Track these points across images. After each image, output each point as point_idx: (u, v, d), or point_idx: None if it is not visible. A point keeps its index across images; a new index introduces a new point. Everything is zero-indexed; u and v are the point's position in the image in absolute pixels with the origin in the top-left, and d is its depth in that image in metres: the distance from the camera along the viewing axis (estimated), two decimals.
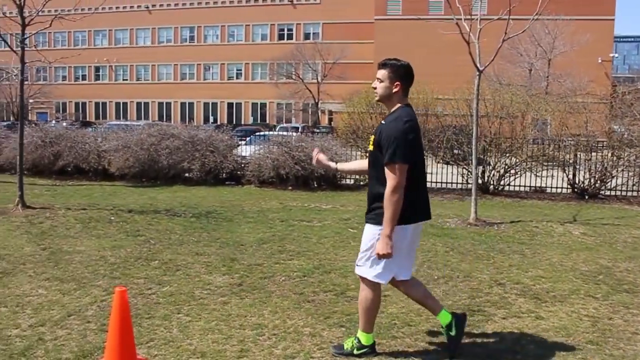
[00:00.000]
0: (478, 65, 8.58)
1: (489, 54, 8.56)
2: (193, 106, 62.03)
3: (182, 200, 10.71)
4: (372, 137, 3.75)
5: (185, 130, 14.28)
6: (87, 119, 56.66)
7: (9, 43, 9.53)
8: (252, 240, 7.20)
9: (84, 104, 66.09)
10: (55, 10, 9.89)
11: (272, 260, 6.24)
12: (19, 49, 9.24)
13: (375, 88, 3.75)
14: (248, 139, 17.25)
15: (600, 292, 5.34)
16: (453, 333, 3.79)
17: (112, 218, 8.58)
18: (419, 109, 12.89)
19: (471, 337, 4.17)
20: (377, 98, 3.81)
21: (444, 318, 3.81)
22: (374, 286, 3.72)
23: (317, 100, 50.98)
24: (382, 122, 3.75)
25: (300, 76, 51.44)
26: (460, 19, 8.74)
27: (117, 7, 60.89)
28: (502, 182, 12.92)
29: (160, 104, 63.43)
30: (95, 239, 7.25)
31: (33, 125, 17.16)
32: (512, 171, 12.82)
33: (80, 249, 6.74)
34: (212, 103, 61.60)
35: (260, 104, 59.65)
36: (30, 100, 58.33)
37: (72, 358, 3.68)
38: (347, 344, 3.79)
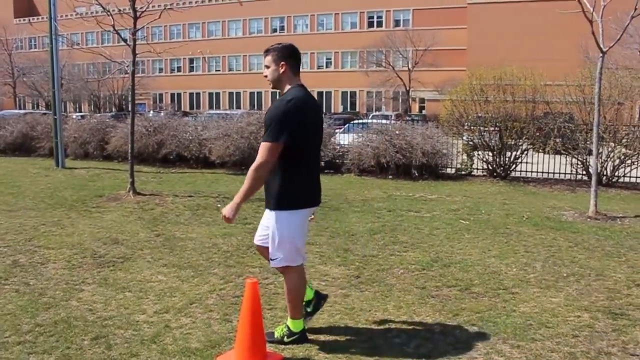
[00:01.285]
0: (602, 46, 7.95)
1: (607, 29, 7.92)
2: None
3: None
4: None
5: None
6: (182, 109, 58.73)
7: (117, 38, 9.88)
8: (362, 231, 7.04)
9: (179, 94, 68.44)
10: (165, 5, 10.11)
11: (387, 251, 6.05)
12: (130, 42, 9.55)
13: (266, 76, 3.70)
14: (345, 127, 17.08)
15: None
16: (310, 309, 3.97)
17: (219, 205, 8.68)
18: (527, 96, 12.24)
19: (622, 344, 3.79)
20: (270, 85, 3.74)
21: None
22: (298, 270, 3.73)
23: (408, 88, 50.15)
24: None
25: (391, 64, 50.72)
26: None
27: (209, 0, 62.43)
28: (617, 173, 12.05)
29: (251, 94, 64.62)
30: (205, 227, 7.33)
31: (138, 115, 17.80)
32: (629, 161, 11.93)
33: (192, 235, 6.83)
34: None
35: (350, 92, 59.46)
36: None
37: (201, 348, 3.65)
38: (278, 332, 3.77)
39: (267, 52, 3.71)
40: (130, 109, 10.37)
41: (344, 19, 59.86)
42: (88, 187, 10.96)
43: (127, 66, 10.32)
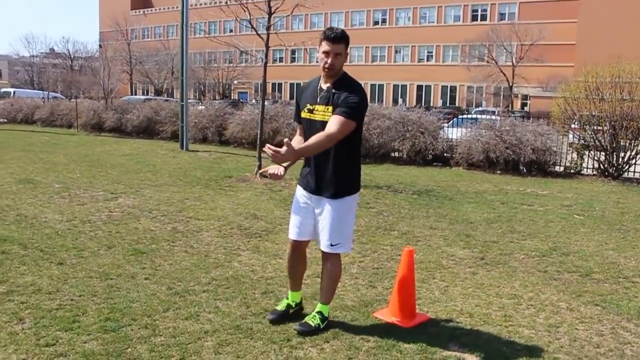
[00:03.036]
0: None
1: None
2: (383, 88, 63.08)
3: (397, 178, 11.26)
4: (322, 107, 3.59)
5: (395, 111, 14.82)
6: (283, 98, 60.48)
7: (240, 27, 10.79)
8: (480, 219, 7.49)
9: (279, 84, 70.35)
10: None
11: (506, 239, 6.48)
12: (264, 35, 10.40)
13: (332, 64, 3.51)
14: (452, 121, 17.36)
15: None
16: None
17: None
18: None
19: None
20: (331, 73, 3.56)
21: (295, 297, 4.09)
22: (340, 259, 3.91)
23: (510, 84, 49.08)
24: (335, 89, 3.58)
25: (494, 58, 49.80)
26: None
27: None
28: None
29: None
30: None
31: (251, 104, 18.89)
32: None
33: None
34: (402, 85, 62.07)
35: (450, 86, 58.89)
36: (235, 82, 63.69)
37: (356, 305, 4.29)
38: (313, 322, 3.77)
39: (342, 39, 3.51)
40: (261, 98, 11.24)
41: (447, 12, 59.23)
42: (214, 168, 11.98)
43: (260, 57, 11.18)
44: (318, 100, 3.61)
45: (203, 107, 20.28)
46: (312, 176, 3.72)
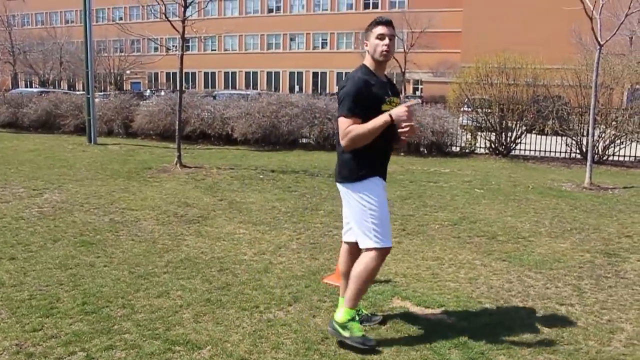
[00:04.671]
0: (599, 39, 9.19)
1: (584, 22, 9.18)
2: (279, 75, 63.66)
3: (310, 163, 11.92)
4: (397, 99, 3.58)
5: (302, 99, 15.45)
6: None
7: (146, 14, 10.95)
8: (395, 197, 8.28)
9: (174, 74, 68.98)
10: None
11: (420, 212, 7.30)
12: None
13: (390, 47, 3.49)
14: None
15: None
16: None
17: (261, 176, 9.88)
18: (529, 79, 13.50)
19: (615, 272, 5.07)
20: (389, 58, 3.55)
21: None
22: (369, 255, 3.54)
23: (403, 70, 51.23)
24: (388, 79, 3.67)
25: None
26: None
27: None
28: (607, 152, 13.38)
29: (247, 74, 65.42)
30: (258, 193, 8.52)
31: (158, 95, 18.78)
32: (618, 141, 13.26)
33: (250, 200, 8.02)
34: (298, 72, 62.94)
35: (345, 73, 60.20)
36: (127, 71, 61.73)
37: (305, 274, 4.87)
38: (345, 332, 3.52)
39: (391, 23, 3.53)
40: (178, 89, 11.44)
41: (340, 0, 60.62)
42: (130, 161, 12.06)
43: (175, 47, 11.36)
44: (391, 93, 3.55)
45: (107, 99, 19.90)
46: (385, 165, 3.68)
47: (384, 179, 3.64)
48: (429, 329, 3.78)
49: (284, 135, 14.93)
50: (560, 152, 13.75)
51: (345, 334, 3.48)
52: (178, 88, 11.51)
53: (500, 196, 8.50)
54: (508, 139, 13.81)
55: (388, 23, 3.50)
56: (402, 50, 50.46)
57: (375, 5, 58.75)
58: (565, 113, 13.22)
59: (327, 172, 10.45)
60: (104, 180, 9.49)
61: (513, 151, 13.90)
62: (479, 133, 14.20)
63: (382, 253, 3.50)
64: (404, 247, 5.71)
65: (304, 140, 15.25)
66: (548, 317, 4.04)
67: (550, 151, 13.81)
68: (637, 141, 13.11)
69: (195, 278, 4.73)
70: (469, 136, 14.43)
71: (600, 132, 13.16)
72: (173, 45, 11.31)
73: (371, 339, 3.52)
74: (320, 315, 3.99)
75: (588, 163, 9.64)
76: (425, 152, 13.86)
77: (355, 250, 3.73)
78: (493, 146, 13.92)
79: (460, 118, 14.57)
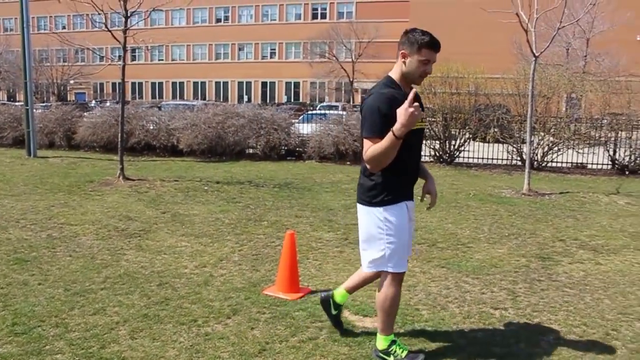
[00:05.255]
0: (534, 51, 9.51)
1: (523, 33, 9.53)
2: (227, 85, 63.33)
3: (256, 174, 11.88)
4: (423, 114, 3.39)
5: (249, 109, 15.42)
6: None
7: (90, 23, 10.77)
8: (339, 206, 8.35)
9: (120, 84, 67.81)
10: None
11: None
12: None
13: (429, 73, 3.36)
14: (302, 117, 18.31)
15: None
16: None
17: (206, 188, 9.80)
18: (470, 89, 13.85)
19: (547, 275, 5.24)
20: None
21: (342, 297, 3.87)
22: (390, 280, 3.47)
23: (351, 79, 51.77)
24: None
25: (335, 55, 52.19)
26: (517, 11, 9.65)
27: None
28: (545, 159, 13.83)
29: (195, 84, 64.81)
30: (202, 205, 8.45)
31: (102, 107, 18.40)
32: (556, 148, 13.73)
33: (194, 212, 7.94)
34: (246, 82, 62.76)
35: (294, 82, 60.65)
36: (71, 81, 60.23)
37: (245, 286, 4.85)
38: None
39: (440, 48, 3.33)
40: (120, 100, 11.24)
41: (289, 10, 60.88)
42: (71, 174, 11.76)
43: (118, 58, 11.17)
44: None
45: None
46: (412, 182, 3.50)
47: (411, 198, 3.47)
48: (365, 337, 3.82)
49: (231, 145, 14.85)
50: (502, 159, 14.14)
51: (391, 359, 3.46)
52: (120, 99, 11.29)
53: (443, 203, 8.67)
54: (452, 147, 14.11)
55: (439, 49, 3.29)
56: (350, 60, 51.09)
57: (324, 16, 59.26)
58: (505, 121, 13.61)
59: (272, 183, 10.45)
60: (42, 195, 9.22)
61: (457, 159, 14.21)
62: (424, 142, 14.44)
63: (398, 277, 3.45)
64: (345, 257, 5.76)
65: (251, 151, 15.21)
66: (483, 321, 4.15)
67: (492, 158, 14.19)
68: (573, 148, 13.60)
69: (133, 293, 4.65)
70: None
71: (539, 140, 13.60)
72: (119, 55, 11.08)
73: (418, 352, 3.54)
74: (258, 327, 3.98)
75: (526, 170, 9.95)
76: None
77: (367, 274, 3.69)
78: (437, 154, 14.20)
79: None
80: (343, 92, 54.67)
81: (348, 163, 13.79)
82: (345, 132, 13.80)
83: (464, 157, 14.28)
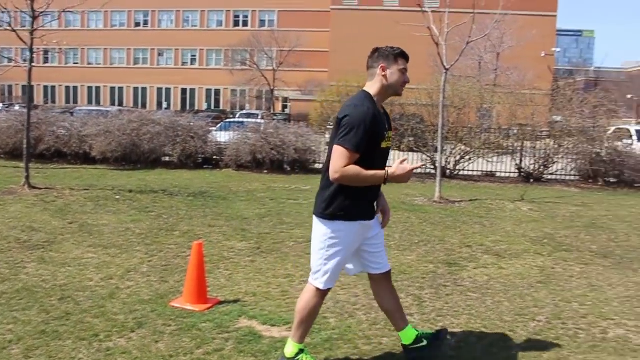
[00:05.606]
0: (445, 64, 9.87)
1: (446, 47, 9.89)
2: (146, 91, 61.81)
3: (171, 182, 11.65)
4: (390, 133, 3.47)
5: (165, 116, 15.11)
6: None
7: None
8: (253, 215, 8.31)
9: (31, 87, 64.77)
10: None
11: (277, 230, 7.38)
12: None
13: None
14: (219, 125, 18.13)
15: (546, 251, 6.79)
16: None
17: (118, 197, 9.50)
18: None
19: (453, 280, 5.43)
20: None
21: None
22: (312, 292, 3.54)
23: (272, 88, 51.77)
24: (384, 110, 3.48)
25: (256, 63, 52.04)
26: (430, 24, 9.99)
27: None
28: (457, 167, 14.36)
29: (112, 89, 62.84)
30: (113, 214, 8.18)
31: (8, 111, 17.52)
32: (467, 157, 14.28)
33: (103, 222, 7.68)
34: (166, 88, 61.50)
35: (215, 90, 60.01)
36: None
37: (153, 298, 4.72)
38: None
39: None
40: (26, 105, 10.74)
41: (210, 16, 60.25)
42: None
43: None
44: (387, 126, 3.42)
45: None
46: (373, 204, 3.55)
47: (371, 217, 3.47)
48: (272, 347, 3.81)
49: (146, 153, 14.50)
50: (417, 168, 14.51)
51: None
52: (26, 103, 10.79)
53: None
54: None
55: (409, 58, 3.39)
56: (271, 68, 51.10)
57: (245, 23, 59.05)
58: (419, 131, 14.02)
59: (187, 192, 10.27)
60: None
61: None
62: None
63: (325, 292, 3.47)
64: (257, 266, 5.73)
65: (167, 159, 14.90)
66: (389, 328, 4.22)
67: None
68: (483, 157, 14.19)
69: (31, 309, 4.43)
70: None
71: (452, 149, 14.09)
72: (25, 58, 10.59)
73: None
74: (163, 340, 3.89)
75: (437, 178, 10.28)
76: (289, 169, 14.07)
77: (380, 280, 3.67)
78: None
79: (327, 135, 15.00)
80: (264, 100, 54.60)
81: (265, 172, 13.76)
82: (263, 141, 13.78)
83: None
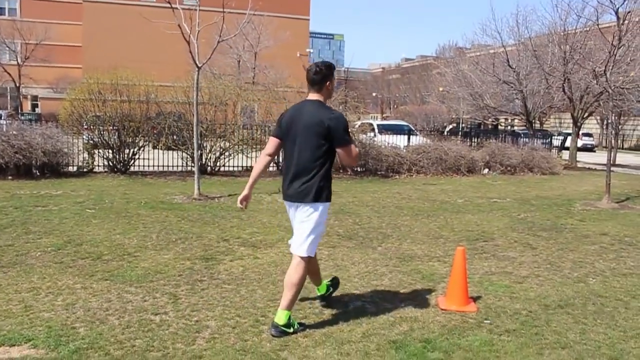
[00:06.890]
0: (197, 62, 9.94)
1: (203, 44, 10.00)
2: None
3: None
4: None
5: None
6: None
7: None
8: None
9: None
10: None
11: (21, 240, 6.77)
12: None
13: None
14: None
15: None
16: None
17: None
18: (141, 97, 13.78)
19: (210, 274, 5.55)
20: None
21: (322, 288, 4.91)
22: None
23: (18, 85, 46.94)
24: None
25: None
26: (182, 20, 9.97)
27: None
28: (218, 164, 14.59)
29: None
30: None
31: None
32: (227, 153, 14.58)
33: None
34: None
35: None
36: None
37: None
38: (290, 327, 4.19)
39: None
40: None
41: None
42: None
43: None
44: None
45: None
46: None
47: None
48: None
49: None
50: (178, 166, 14.43)
51: (293, 329, 4.18)
52: None
53: (112, 214, 8.47)
54: (126, 156, 13.87)
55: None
56: (15, 62, 46.38)
57: None
58: (177, 129, 13.92)
59: None
60: None
61: (132, 168, 14.02)
62: (97, 151, 13.93)
63: (310, 260, 4.38)
64: None
65: None
66: (142, 329, 4.17)
67: (168, 166, 14.37)
68: (242, 152, 14.61)
69: None
70: (86, 155, 14.00)
71: (211, 146, 14.26)
72: None
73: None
74: None
75: (196, 175, 10.35)
76: (38, 173, 12.93)
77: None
78: (111, 164, 13.81)
79: (85, 136, 14.08)
80: (9, 98, 49.28)
81: (10, 178, 12.45)
82: (5, 144, 12.44)
83: (139, 166, 14.17)
